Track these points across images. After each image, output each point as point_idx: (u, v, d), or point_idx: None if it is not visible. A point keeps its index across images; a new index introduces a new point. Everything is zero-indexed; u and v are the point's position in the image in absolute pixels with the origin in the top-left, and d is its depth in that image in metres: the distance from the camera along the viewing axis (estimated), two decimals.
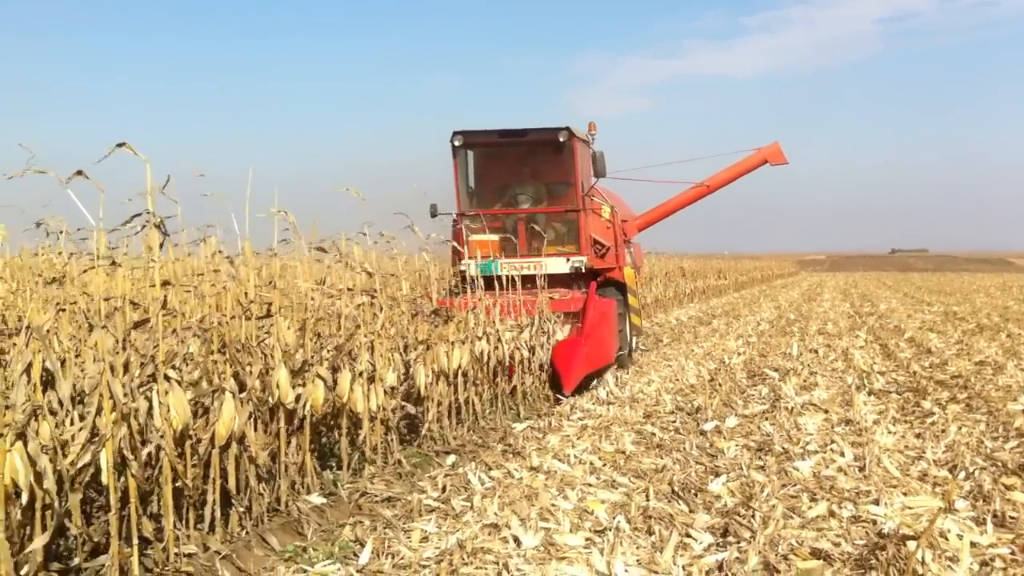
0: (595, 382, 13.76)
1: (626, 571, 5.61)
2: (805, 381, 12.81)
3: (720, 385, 12.79)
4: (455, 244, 14.27)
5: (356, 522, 6.86)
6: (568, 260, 14.76)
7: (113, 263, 5.49)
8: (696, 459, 8.46)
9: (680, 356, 16.89)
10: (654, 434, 9.64)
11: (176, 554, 5.76)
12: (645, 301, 27.30)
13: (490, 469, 8.33)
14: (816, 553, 5.79)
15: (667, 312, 30.24)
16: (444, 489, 7.70)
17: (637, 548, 6.03)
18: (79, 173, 5.21)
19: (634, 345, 16.81)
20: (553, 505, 6.99)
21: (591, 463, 8.34)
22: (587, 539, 6.25)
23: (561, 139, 14.55)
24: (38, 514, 4.84)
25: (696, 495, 7.28)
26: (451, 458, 8.92)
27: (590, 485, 7.62)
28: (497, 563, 5.74)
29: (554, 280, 14.50)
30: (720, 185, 18.59)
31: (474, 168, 15.39)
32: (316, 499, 7.28)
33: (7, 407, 4.71)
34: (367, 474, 8.07)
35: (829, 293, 43.66)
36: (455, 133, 14.62)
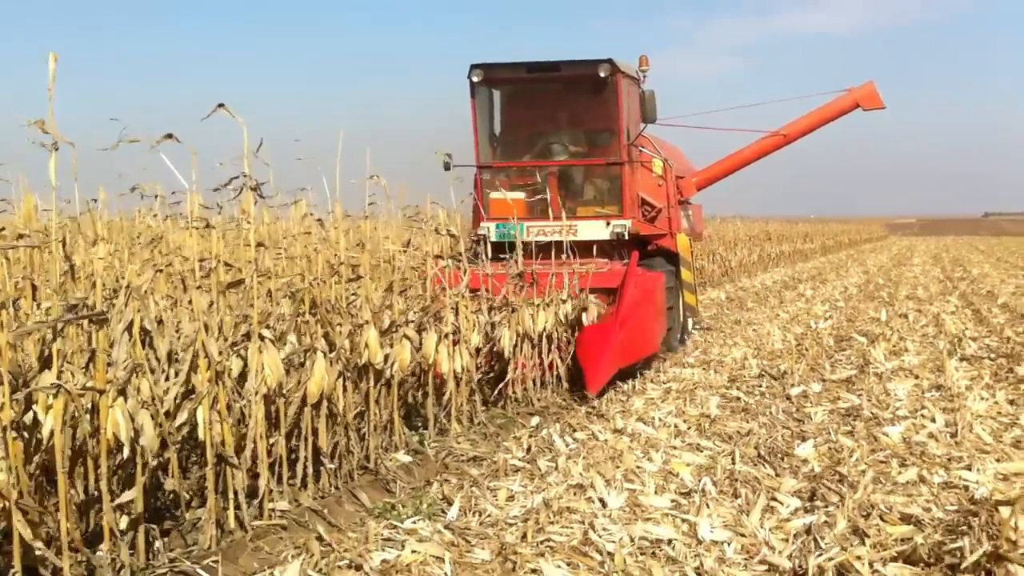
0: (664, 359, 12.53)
1: (712, 532, 5.61)
2: (894, 346, 12.59)
3: (807, 350, 12.64)
4: (477, 202, 12.13)
5: (443, 480, 6.96)
6: (609, 224, 12.05)
7: (207, 225, 5.61)
8: (783, 424, 8.40)
9: (765, 321, 16.71)
10: (739, 398, 9.59)
11: (270, 509, 5.91)
12: (709, 271, 26.54)
13: (574, 431, 8.38)
14: (906, 518, 5.72)
15: (752, 276, 29.87)
16: (529, 450, 7.76)
17: (723, 510, 6.02)
18: (169, 136, 5.31)
19: (688, 327, 14.25)
20: (638, 467, 7.02)
21: (675, 426, 8.34)
22: (672, 501, 6.27)
23: (602, 74, 11.75)
24: (138, 468, 5.01)
25: (783, 459, 7.24)
26: (535, 420, 8.98)
27: (675, 448, 7.62)
28: (583, 522, 5.79)
29: (590, 249, 12.00)
30: (800, 134, 15.00)
31: (497, 110, 12.74)
32: (403, 457, 7.40)
33: (109, 364, 4.86)
34: (452, 434, 8.18)
35: (919, 257, 42.73)
36: (473, 67, 12.02)
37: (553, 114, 12.82)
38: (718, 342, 13.94)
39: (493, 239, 11.12)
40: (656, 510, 6.06)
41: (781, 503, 6.19)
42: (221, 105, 5.23)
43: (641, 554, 5.32)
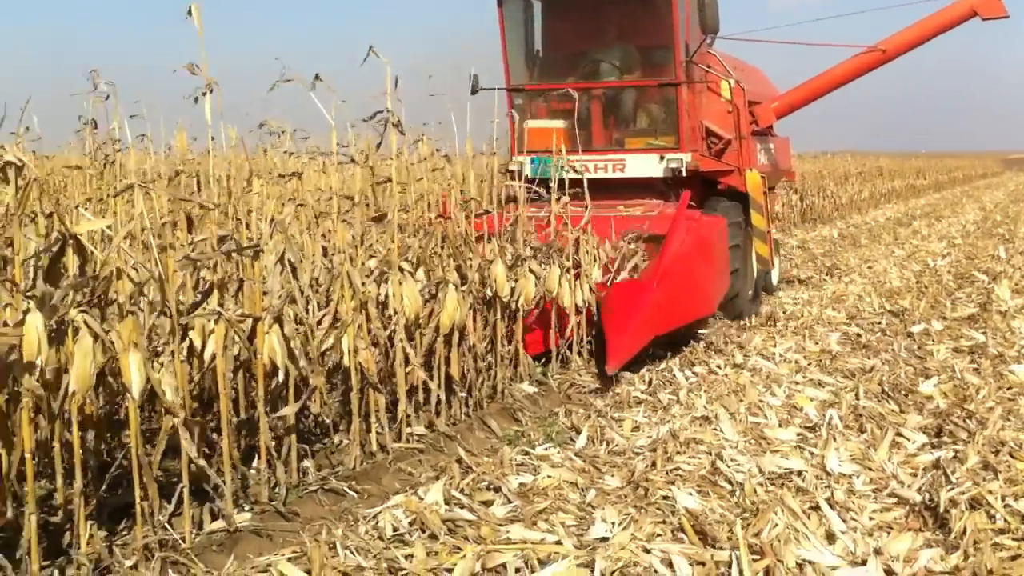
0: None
1: (840, 465, 5.69)
2: (1017, 284, 12.32)
3: (926, 287, 12.46)
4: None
5: (568, 410, 7.15)
6: (663, 158, 10.25)
7: (352, 160, 5.81)
8: (905, 361, 8.36)
9: (880, 258, 16.47)
10: (859, 335, 9.55)
11: (408, 433, 6.18)
12: (820, 207, 25.64)
13: (693, 365, 8.47)
14: None
15: (863, 213, 29.29)
16: (650, 383, 7.90)
17: (850, 444, 6.09)
18: (317, 78, 5.51)
19: (760, 286, 11.83)
20: (761, 401, 7.10)
21: (796, 362, 8.37)
22: (798, 434, 6.35)
23: None
24: (290, 391, 5.29)
25: (907, 396, 7.24)
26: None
27: (796, 383, 7.67)
28: (710, 453, 5.91)
29: (642, 188, 10.28)
30: (903, 49, 12.34)
31: (531, 22, 11.02)
32: (528, 388, 7.62)
33: (264, 293, 5.13)
34: (574, 366, 8.34)
35: None
36: None
37: (598, 26, 10.87)
38: (834, 279, 13.81)
39: (528, 175, 9.31)
40: (783, 443, 6.16)
41: (907, 439, 6.23)
42: (372, 49, 5.40)
43: (771, 484, 5.44)
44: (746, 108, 11.27)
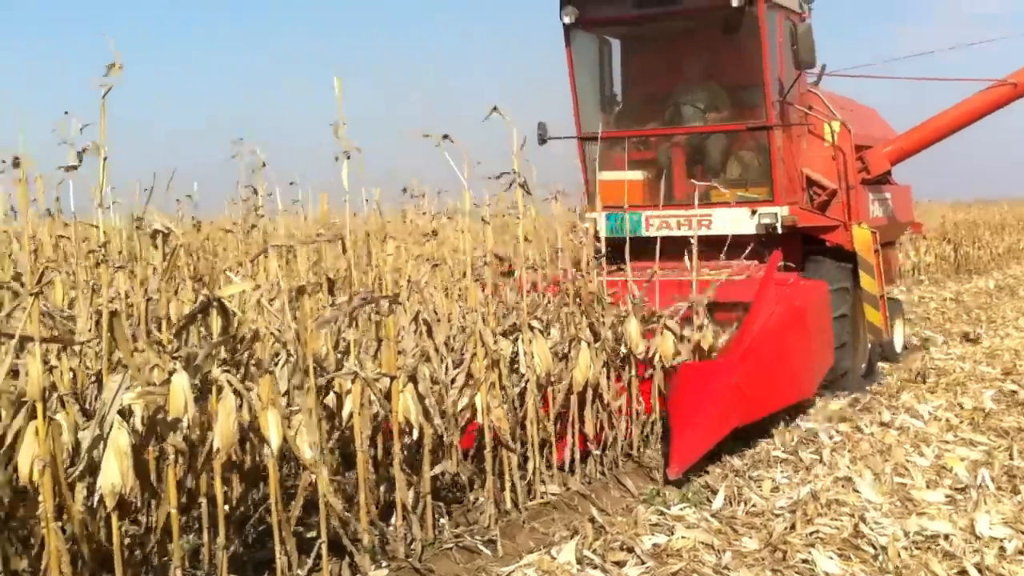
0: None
1: (991, 529, 5.43)
2: None
3: None
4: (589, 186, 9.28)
5: (704, 470, 7.03)
6: (755, 212, 9.15)
7: (483, 220, 5.93)
8: None
9: None
10: (1015, 392, 9.13)
11: (541, 492, 6.19)
12: (975, 257, 24.53)
13: (838, 423, 8.23)
14: None
15: (1021, 263, 28.04)
16: (791, 441, 7.71)
17: (1002, 507, 5.81)
18: (445, 137, 5.66)
19: (876, 358, 10.47)
20: (908, 461, 6.85)
21: (947, 420, 8.05)
22: (946, 496, 6.10)
23: (735, 3, 8.70)
24: (426, 449, 5.38)
25: None
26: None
27: (946, 442, 7.37)
28: (852, 515, 5.73)
29: (734, 247, 8.70)
30: None
31: (605, 62, 10.04)
32: (664, 447, 7.52)
33: (399, 352, 5.25)
34: None
35: None
36: (565, 2, 9.27)
37: (682, 63, 9.87)
38: (989, 333, 13.25)
39: (604, 234, 8.48)
40: (929, 505, 5.93)
41: None
42: (495, 109, 5.53)
43: (916, 548, 5.23)
44: (853, 153, 10.04)
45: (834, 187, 9.67)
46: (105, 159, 4.09)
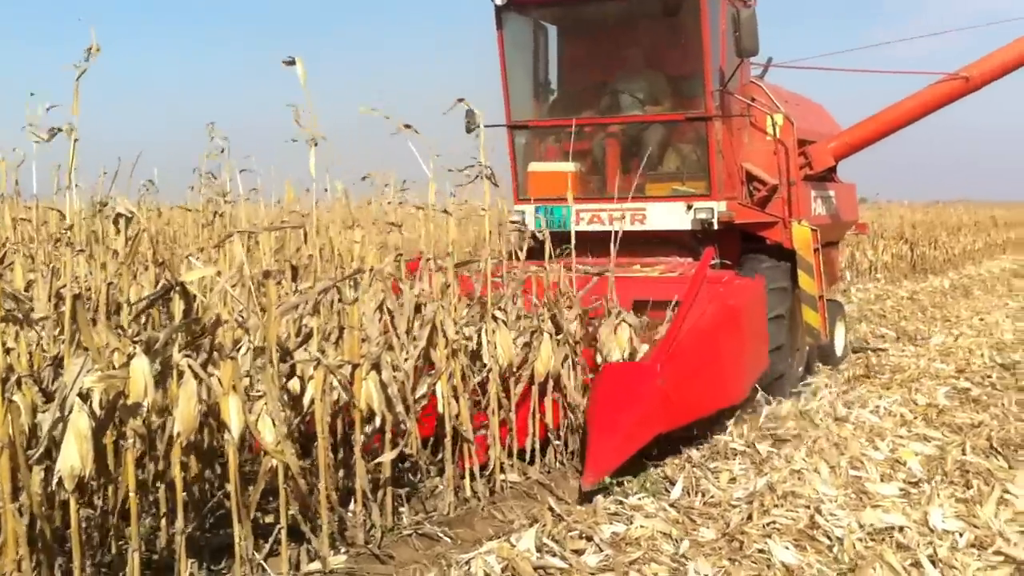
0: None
1: (944, 522, 5.52)
2: None
3: None
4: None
5: (663, 461, 7.08)
6: (691, 207, 8.71)
7: (445, 211, 5.94)
8: (1016, 416, 8.09)
9: (993, 310, 15.98)
10: (968, 389, 9.27)
11: (502, 480, 6.21)
12: (931, 258, 24.83)
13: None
14: None
15: (977, 264, 28.46)
16: (749, 434, 7.77)
17: (955, 501, 5.91)
18: (408, 127, 5.64)
19: (814, 362, 10.29)
20: (863, 455, 6.93)
21: (901, 415, 8.17)
22: (900, 489, 6.19)
23: None
24: (386, 436, 5.39)
25: (1016, 452, 7.02)
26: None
27: (901, 437, 7.47)
28: (808, 507, 5.80)
29: (669, 243, 8.74)
30: (991, 77, 10.13)
31: (538, 48, 9.58)
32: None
33: (363, 340, 5.25)
34: None
35: None
36: None
37: (617, 50, 9.38)
38: (943, 330, 13.44)
39: (531, 227, 8.32)
40: (884, 497, 6.01)
41: (1015, 495, 6.02)
42: (461, 100, 5.54)
43: (871, 540, 5.31)
44: (796, 148, 9.60)
45: (775, 182, 9.33)
46: (76, 140, 4.05)
